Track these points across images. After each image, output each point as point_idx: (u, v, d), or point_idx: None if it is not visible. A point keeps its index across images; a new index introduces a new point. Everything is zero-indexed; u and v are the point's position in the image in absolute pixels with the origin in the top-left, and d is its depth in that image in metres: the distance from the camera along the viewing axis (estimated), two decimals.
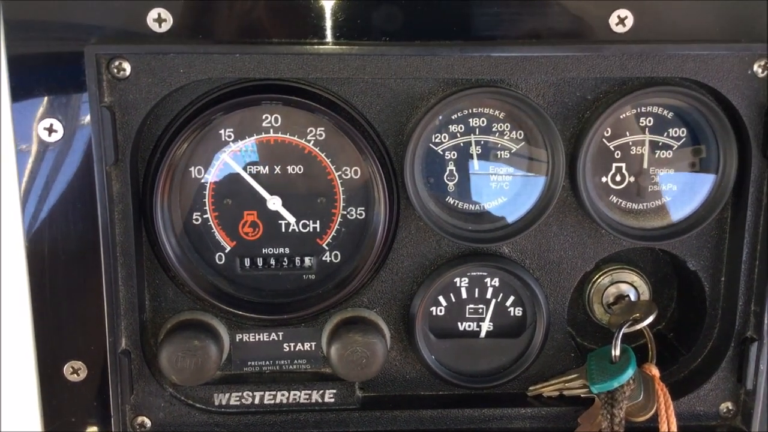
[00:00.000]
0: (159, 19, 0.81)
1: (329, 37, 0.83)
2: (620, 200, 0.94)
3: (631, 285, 1.00)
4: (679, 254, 0.94)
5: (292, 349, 0.95)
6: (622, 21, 0.85)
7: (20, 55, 0.80)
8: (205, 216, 0.91)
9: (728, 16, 0.85)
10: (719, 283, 0.95)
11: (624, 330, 0.93)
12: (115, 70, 0.81)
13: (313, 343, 0.95)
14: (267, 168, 0.90)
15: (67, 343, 0.89)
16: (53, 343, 0.88)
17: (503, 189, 0.93)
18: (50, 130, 0.83)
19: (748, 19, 0.85)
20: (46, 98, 0.82)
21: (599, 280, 1.00)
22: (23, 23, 0.80)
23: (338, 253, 0.93)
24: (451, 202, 0.93)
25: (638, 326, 0.93)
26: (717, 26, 0.85)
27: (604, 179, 0.93)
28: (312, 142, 0.90)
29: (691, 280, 0.97)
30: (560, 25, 0.84)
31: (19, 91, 0.82)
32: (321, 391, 0.95)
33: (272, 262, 0.93)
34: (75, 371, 0.90)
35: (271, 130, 0.89)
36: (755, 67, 0.86)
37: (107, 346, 0.86)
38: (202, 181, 0.90)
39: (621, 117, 0.91)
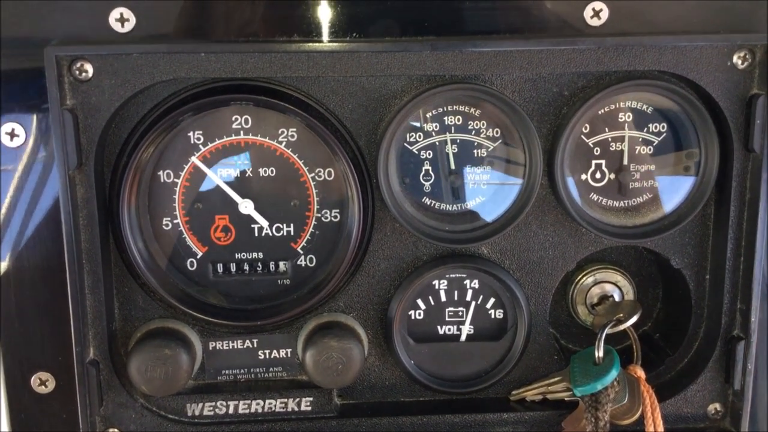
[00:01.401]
0: (121, 19, 0.79)
1: (297, 35, 0.81)
2: (601, 198, 0.92)
3: (615, 285, 0.97)
4: (662, 252, 0.92)
5: (267, 356, 0.92)
6: (597, 14, 0.83)
7: None
8: (175, 221, 0.89)
9: (706, 7, 0.83)
10: (704, 281, 0.93)
11: (608, 331, 0.90)
12: (77, 72, 0.79)
13: (289, 350, 0.92)
14: (238, 171, 0.88)
15: (34, 353, 0.86)
16: (20, 354, 0.86)
17: (481, 188, 0.91)
18: (12, 134, 0.81)
19: (725, 9, 0.83)
20: (6, 102, 0.79)
21: (582, 281, 0.97)
22: None
23: (313, 257, 0.91)
24: (428, 203, 0.91)
25: (622, 326, 0.91)
26: (694, 18, 0.83)
27: (583, 177, 0.91)
28: (284, 143, 0.88)
29: (675, 279, 0.95)
30: (534, 19, 0.83)
31: None
32: (297, 399, 0.92)
33: (245, 267, 0.91)
34: (43, 383, 0.87)
35: (242, 132, 0.87)
36: (735, 59, 0.84)
37: (74, 356, 0.84)
38: (172, 185, 0.88)
39: (599, 113, 0.89)
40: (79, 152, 0.80)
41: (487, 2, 0.82)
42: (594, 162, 0.91)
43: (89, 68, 0.79)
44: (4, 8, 0.78)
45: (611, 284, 0.97)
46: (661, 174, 0.91)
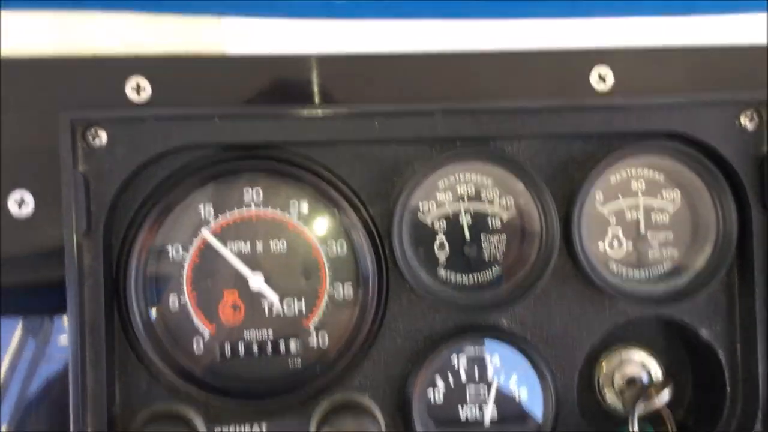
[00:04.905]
0: (138, 88, 0.80)
1: (309, 100, 0.82)
2: (620, 267, 0.90)
3: (643, 367, 0.93)
4: (690, 323, 0.88)
5: None
6: (602, 78, 0.85)
7: None
8: (182, 297, 0.86)
9: (709, 68, 0.85)
10: (735, 352, 0.89)
11: (641, 409, 0.85)
12: (91, 138, 0.80)
13: None
14: (248, 244, 0.86)
15: None
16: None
17: (497, 258, 0.89)
18: (20, 202, 0.79)
19: (729, 70, 0.85)
20: (16, 168, 0.79)
21: (608, 362, 0.93)
22: (2, 87, 0.79)
23: (325, 333, 0.87)
24: (443, 274, 0.88)
25: (655, 401, 0.85)
26: (699, 79, 0.85)
27: (601, 245, 0.89)
28: (295, 216, 0.87)
29: (706, 356, 0.90)
30: (541, 83, 0.84)
31: None
32: None
33: (254, 347, 0.86)
34: None
35: (253, 205, 0.86)
36: (742, 119, 0.85)
37: None
38: (180, 259, 0.85)
39: (612, 180, 0.89)
40: (89, 218, 0.79)
41: (494, 67, 0.84)
42: (610, 230, 0.90)
43: (103, 134, 0.80)
44: (22, 71, 0.79)
45: (639, 366, 0.93)
46: (680, 240, 0.90)
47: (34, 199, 0.79)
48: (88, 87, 0.80)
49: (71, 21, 0.82)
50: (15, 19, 0.81)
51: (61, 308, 0.78)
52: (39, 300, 0.82)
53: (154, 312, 0.84)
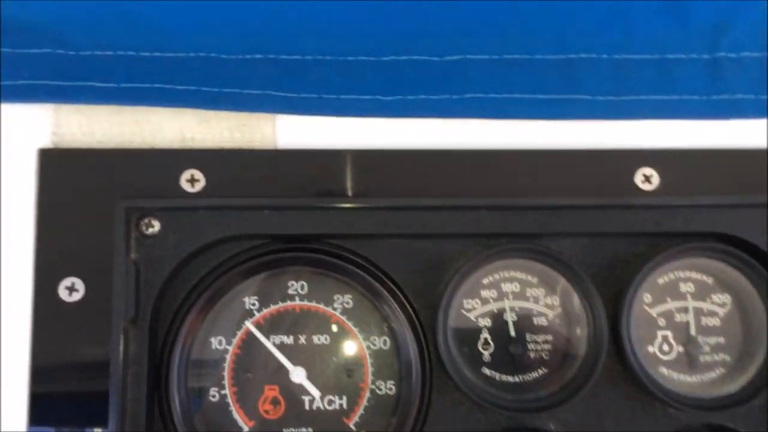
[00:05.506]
0: (192, 180, 0.82)
1: (356, 194, 0.83)
2: (671, 372, 0.87)
3: None
4: (742, 431, 0.84)
5: None
6: (647, 179, 0.85)
7: (52, 203, 0.81)
8: (222, 392, 0.84)
9: (756, 169, 0.85)
10: None
11: None
12: (144, 227, 0.81)
13: None
14: (291, 338, 0.86)
15: None
16: None
17: (543, 358, 0.87)
18: (71, 289, 0.80)
19: None
20: (69, 256, 0.80)
21: None
22: (58, 175, 0.82)
23: None
24: (488, 373, 0.86)
25: None
26: (746, 180, 0.85)
27: (650, 348, 0.87)
28: (339, 310, 0.86)
29: None
30: (586, 182, 0.85)
31: (44, 251, 0.81)
32: None
33: None
34: None
35: (297, 298, 0.86)
36: None
37: None
38: (223, 352, 0.85)
39: (660, 282, 0.88)
40: (137, 305, 0.79)
41: (541, 166, 0.85)
42: (660, 333, 0.88)
43: (156, 223, 0.81)
44: (80, 161, 0.82)
45: None
46: (732, 345, 0.87)
47: (86, 286, 0.80)
48: (144, 178, 0.83)
49: (131, 115, 0.85)
50: (75, 111, 0.85)
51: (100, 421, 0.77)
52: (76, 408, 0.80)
53: (194, 404, 0.83)
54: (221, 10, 0.88)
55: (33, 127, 0.85)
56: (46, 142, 0.85)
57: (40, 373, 0.79)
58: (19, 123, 0.85)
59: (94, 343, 0.78)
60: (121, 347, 0.77)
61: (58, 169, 0.82)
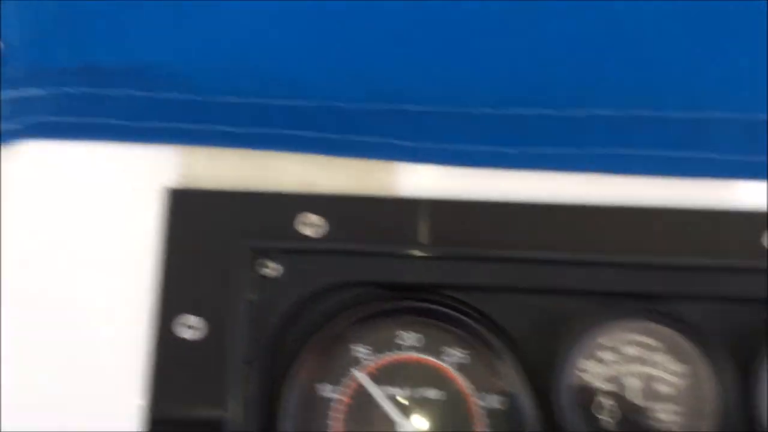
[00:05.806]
0: (309, 223, 0.83)
1: (475, 245, 0.82)
2: None
3: None
4: None
5: None
6: None
7: (180, 245, 0.83)
8: None
9: None
10: None
11: None
12: (264, 268, 0.82)
13: None
14: (400, 390, 0.84)
15: None
16: None
17: (667, 427, 0.82)
18: (190, 326, 0.81)
19: None
20: (189, 293, 0.81)
21: None
22: (184, 214, 0.84)
23: None
24: None
25: None
26: None
27: None
28: (451, 363, 0.84)
29: None
30: (711, 242, 0.82)
31: (168, 287, 0.82)
32: None
33: None
34: None
35: (407, 348, 0.85)
36: None
37: None
38: (329, 400, 0.83)
39: None
40: (255, 348, 0.79)
41: (662, 223, 0.82)
42: None
43: (275, 265, 0.82)
44: (206, 203, 0.83)
45: None
46: None
47: (205, 325, 0.80)
48: (262, 220, 0.83)
49: (255, 160, 0.87)
50: (201, 153, 0.87)
51: None
52: None
53: None
54: (345, 60, 0.90)
55: (158, 167, 0.88)
56: (173, 182, 0.87)
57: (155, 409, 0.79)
58: (144, 163, 0.88)
59: (211, 382, 0.78)
60: (240, 391, 0.77)
61: (185, 208, 0.84)
